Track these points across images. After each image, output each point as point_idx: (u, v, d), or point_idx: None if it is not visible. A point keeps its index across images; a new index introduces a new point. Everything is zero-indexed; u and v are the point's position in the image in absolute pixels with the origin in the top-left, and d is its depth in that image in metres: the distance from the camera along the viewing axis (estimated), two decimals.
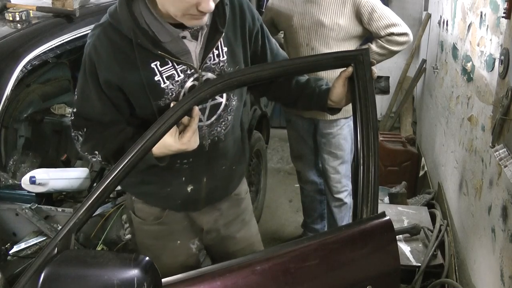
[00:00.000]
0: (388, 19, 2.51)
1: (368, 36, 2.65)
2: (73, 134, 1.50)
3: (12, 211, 1.94)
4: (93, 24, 2.02)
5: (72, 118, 1.48)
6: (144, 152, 1.27)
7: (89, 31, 1.95)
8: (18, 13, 1.80)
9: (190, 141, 1.34)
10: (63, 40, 1.79)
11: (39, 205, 1.98)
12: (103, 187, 1.24)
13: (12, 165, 2.40)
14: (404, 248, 2.62)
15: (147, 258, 1.14)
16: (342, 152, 2.76)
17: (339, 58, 1.54)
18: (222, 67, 1.46)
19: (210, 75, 1.45)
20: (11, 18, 1.80)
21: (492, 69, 2.14)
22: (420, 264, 2.50)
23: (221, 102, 1.51)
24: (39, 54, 1.65)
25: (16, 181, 2.17)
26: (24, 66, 1.58)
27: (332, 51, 2.53)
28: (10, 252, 1.82)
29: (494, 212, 1.98)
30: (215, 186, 1.65)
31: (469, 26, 2.69)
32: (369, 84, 1.45)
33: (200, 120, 1.48)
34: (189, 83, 1.42)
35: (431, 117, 3.80)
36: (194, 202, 1.65)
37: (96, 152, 1.45)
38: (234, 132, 1.64)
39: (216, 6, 1.34)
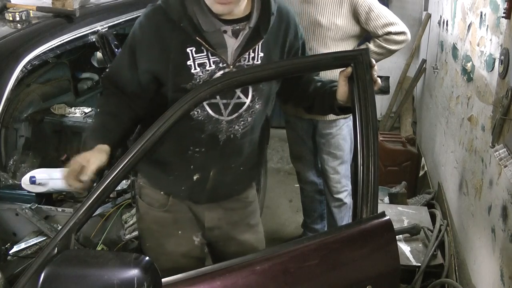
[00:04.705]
0: (386, 18, 2.51)
1: (366, 35, 2.65)
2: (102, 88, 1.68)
3: (12, 211, 1.94)
4: (93, 24, 2.05)
5: (103, 76, 1.66)
6: (143, 152, 1.27)
7: (89, 31, 1.98)
8: (18, 13, 1.80)
9: (73, 185, 1.40)
10: (63, 40, 1.79)
11: (39, 205, 1.98)
12: (103, 187, 1.24)
13: (12, 165, 2.40)
14: (404, 248, 2.62)
15: (147, 258, 1.14)
16: (342, 152, 2.76)
17: (339, 58, 1.54)
18: None
19: None
20: (11, 18, 1.80)
21: (492, 69, 2.14)
22: (420, 264, 2.50)
23: (244, 102, 1.55)
24: (39, 54, 1.66)
25: (16, 181, 2.17)
26: (24, 66, 1.58)
27: (330, 51, 2.53)
28: (10, 252, 1.82)
29: (494, 212, 1.98)
30: (221, 182, 1.66)
31: (469, 26, 2.69)
32: (368, 84, 1.45)
33: (221, 115, 1.54)
34: (218, 75, 1.49)
35: (431, 117, 3.80)
36: (197, 193, 1.67)
37: (98, 110, 1.60)
38: (253, 134, 1.66)
39: (262, 13, 1.48)
